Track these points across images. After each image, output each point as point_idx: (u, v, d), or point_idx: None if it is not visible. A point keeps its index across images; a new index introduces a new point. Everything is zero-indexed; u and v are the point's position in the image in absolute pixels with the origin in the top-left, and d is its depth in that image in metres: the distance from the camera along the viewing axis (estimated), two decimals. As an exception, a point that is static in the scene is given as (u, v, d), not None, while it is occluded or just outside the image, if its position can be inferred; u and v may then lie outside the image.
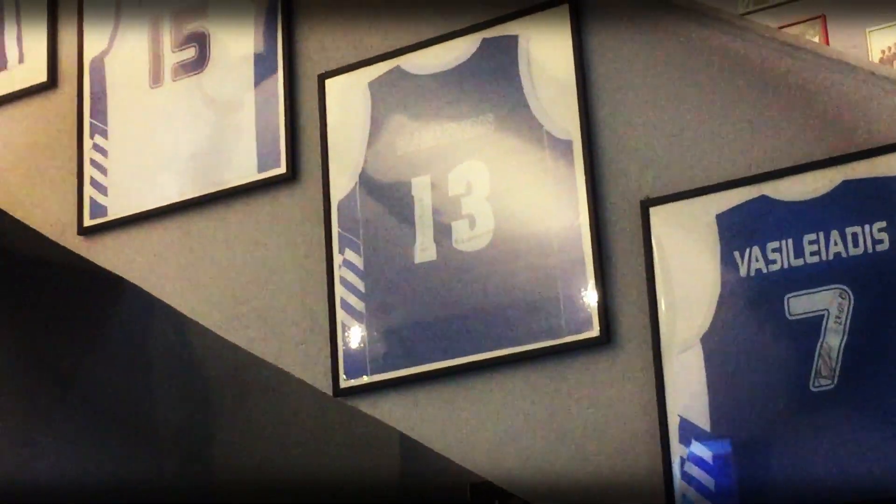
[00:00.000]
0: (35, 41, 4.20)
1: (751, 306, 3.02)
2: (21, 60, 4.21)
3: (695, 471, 3.01)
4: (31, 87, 4.18)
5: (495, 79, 3.45)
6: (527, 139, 3.37)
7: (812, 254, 3.00)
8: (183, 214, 3.89)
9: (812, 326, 2.96)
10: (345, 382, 3.50)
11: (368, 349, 3.48)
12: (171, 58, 3.96)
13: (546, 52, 3.39)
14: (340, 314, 3.52)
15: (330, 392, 3.53)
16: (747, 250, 3.05)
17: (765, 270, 3.03)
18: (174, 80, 3.94)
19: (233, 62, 3.87)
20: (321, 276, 3.59)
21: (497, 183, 3.40)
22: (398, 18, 3.62)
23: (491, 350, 3.32)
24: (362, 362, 3.49)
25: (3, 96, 4.23)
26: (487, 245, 3.38)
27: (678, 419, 3.05)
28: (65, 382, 5.01)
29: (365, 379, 3.48)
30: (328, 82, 3.68)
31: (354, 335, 3.50)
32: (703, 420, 3.02)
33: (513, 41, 3.44)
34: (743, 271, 3.05)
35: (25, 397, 4.89)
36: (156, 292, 3.91)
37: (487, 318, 3.34)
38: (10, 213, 4.17)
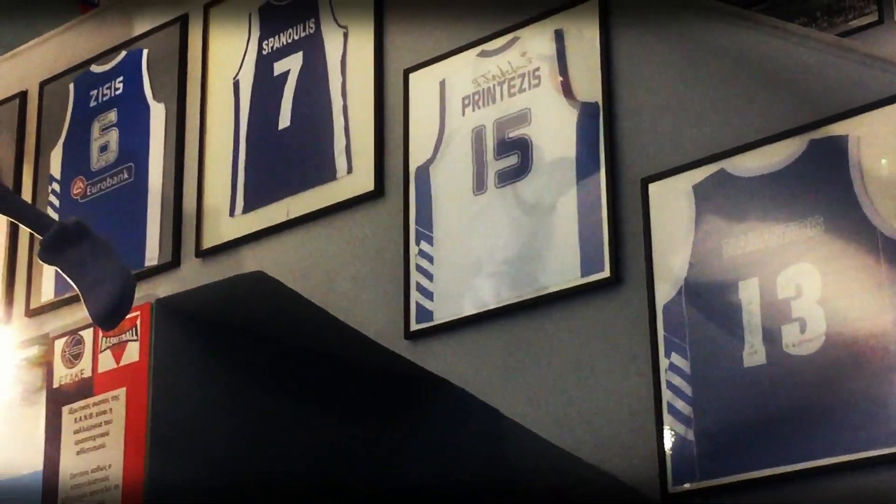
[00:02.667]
0: (363, 152, 4.35)
1: None
2: (350, 171, 4.37)
3: None
4: (359, 196, 4.33)
5: (824, 180, 3.40)
6: (859, 241, 3.31)
7: None
8: (505, 318, 3.94)
9: None
10: (672, 488, 3.47)
11: (697, 453, 3.45)
12: (494, 165, 4.04)
13: (878, 151, 3.33)
14: (668, 418, 3.50)
15: (658, 497, 3.50)
16: None
17: None
18: (497, 187, 4.02)
19: (553, 166, 3.93)
20: (647, 380, 3.58)
21: (828, 285, 3.33)
22: (722, 121, 3.62)
23: (825, 456, 3.24)
24: (690, 467, 3.45)
25: (333, 205, 4.38)
26: (819, 349, 3.31)
27: None
28: (382, 481, 5.12)
29: (693, 484, 3.44)
30: (651, 186, 3.69)
31: (682, 439, 3.47)
32: None
33: (842, 141, 3.39)
34: None
35: (347, 494, 5.01)
36: (479, 394, 3.97)
37: (821, 423, 3.26)
38: (340, 318, 4.31)
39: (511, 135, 4.03)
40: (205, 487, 4.62)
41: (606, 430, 3.65)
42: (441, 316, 4.04)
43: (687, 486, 3.45)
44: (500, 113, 4.07)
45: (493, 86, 4.10)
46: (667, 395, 3.52)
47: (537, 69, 4.02)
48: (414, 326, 4.08)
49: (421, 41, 4.31)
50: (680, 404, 3.50)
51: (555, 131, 3.95)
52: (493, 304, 3.96)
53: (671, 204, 3.65)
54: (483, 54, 4.15)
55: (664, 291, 3.60)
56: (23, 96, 5.37)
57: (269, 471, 4.79)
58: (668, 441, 3.49)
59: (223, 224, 4.64)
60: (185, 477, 4.58)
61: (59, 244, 3.87)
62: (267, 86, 4.66)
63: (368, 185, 4.31)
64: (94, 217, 4.71)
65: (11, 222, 4.91)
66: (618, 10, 3.91)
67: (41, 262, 4.02)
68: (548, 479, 5.33)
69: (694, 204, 3.61)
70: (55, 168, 5.17)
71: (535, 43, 4.05)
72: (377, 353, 4.27)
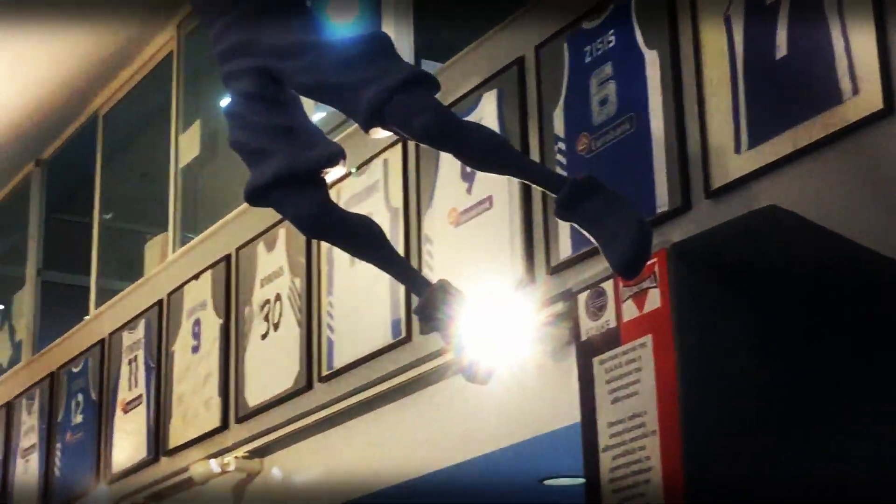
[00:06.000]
0: (868, 71, 4.19)
1: None
2: (855, 92, 4.22)
3: None
4: (868, 116, 4.17)
5: None
6: None
7: None
8: None
9: None
10: None
11: None
12: None
13: None
14: None
15: None
16: None
17: None
18: None
19: None
20: None
21: None
22: None
23: None
24: None
25: (841, 129, 4.25)
26: None
27: None
28: None
29: None
30: None
31: None
32: None
33: None
34: None
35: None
36: None
37: None
38: (863, 244, 4.18)
39: None
40: (740, 424, 4.61)
41: None
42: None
43: None
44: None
45: None
46: None
47: None
48: (941, 244, 3.92)
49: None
50: None
51: None
52: None
53: None
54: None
55: None
56: (520, 62, 5.52)
57: (803, 401, 4.73)
58: None
59: (730, 162, 4.60)
60: (719, 416, 4.59)
61: (573, 201, 3.96)
62: (759, 17, 4.57)
63: (877, 103, 4.15)
64: (602, 170, 4.78)
65: (523, 184, 5.07)
66: None
67: (558, 220, 4.13)
68: None
69: None
70: (558, 127, 5.29)
71: None
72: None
